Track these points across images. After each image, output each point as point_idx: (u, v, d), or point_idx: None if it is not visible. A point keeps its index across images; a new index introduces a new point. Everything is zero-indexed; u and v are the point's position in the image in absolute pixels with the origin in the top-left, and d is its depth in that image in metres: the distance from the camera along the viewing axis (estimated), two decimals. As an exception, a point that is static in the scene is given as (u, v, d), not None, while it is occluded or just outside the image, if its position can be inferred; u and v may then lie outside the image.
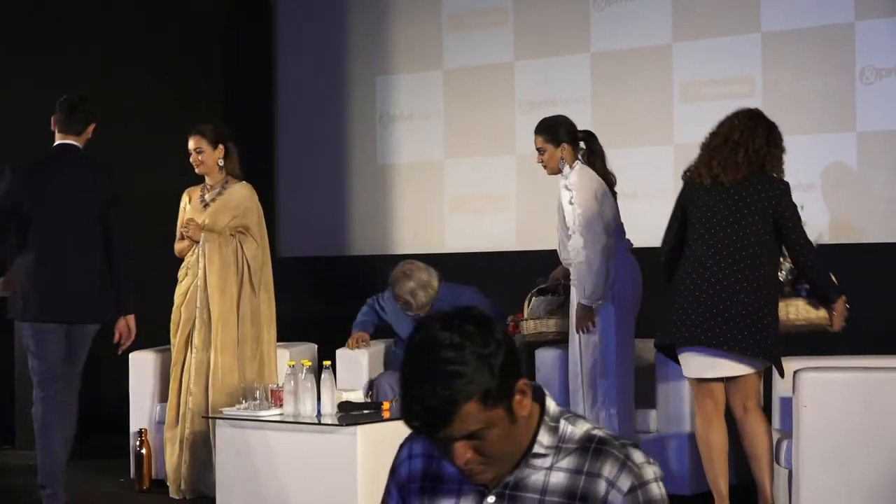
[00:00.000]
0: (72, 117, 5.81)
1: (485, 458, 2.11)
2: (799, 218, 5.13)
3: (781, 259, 5.22)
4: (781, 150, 5.20)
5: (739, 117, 5.20)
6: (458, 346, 2.05)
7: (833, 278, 5.24)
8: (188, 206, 6.39)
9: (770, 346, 5.03)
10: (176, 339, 6.26)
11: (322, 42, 8.61)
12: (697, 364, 5.14)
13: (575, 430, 2.18)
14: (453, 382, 2.04)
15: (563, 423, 2.18)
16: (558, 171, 5.97)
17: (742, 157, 5.09)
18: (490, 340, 2.07)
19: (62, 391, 5.72)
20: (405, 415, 2.09)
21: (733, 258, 5.07)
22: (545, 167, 6.01)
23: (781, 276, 5.24)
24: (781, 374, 5.17)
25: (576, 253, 5.83)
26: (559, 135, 5.93)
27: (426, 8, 8.16)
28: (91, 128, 5.89)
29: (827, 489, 4.81)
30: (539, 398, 2.20)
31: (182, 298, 6.27)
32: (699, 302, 5.07)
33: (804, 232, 5.14)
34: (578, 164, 5.94)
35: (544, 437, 2.16)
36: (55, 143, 5.83)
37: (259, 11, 8.93)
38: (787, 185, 5.14)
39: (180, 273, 6.34)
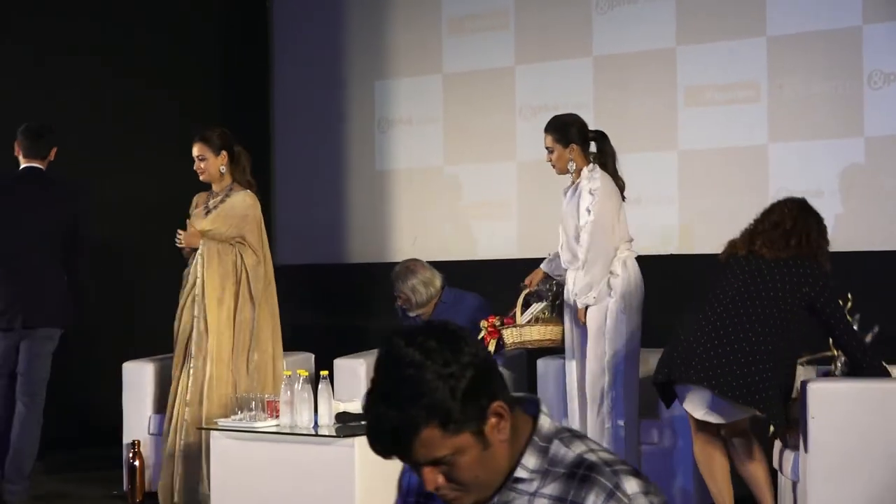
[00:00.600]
0: (37, 143, 6.40)
1: (457, 484, 2.01)
2: (843, 315, 5.09)
3: (836, 351, 5.23)
4: (828, 242, 5.26)
5: (790, 206, 5.26)
6: (417, 365, 1.94)
7: (885, 366, 5.18)
8: (193, 213, 6.41)
9: (765, 397, 4.97)
10: (176, 349, 6.27)
11: (319, 45, 8.61)
12: (691, 403, 5.18)
13: (568, 452, 2.05)
14: (408, 405, 1.94)
15: (555, 444, 2.06)
16: (567, 172, 5.97)
17: (794, 242, 5.13)
18: (454, 360, 1.96)
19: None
20: (367, 436, 2.01)
21: (747, 315, 5.08)
22: (553, 166, 6.01)
23: (836, 369, 5.25)
24: (774, 430, 5.12)
25: (576, 256, 5.86)
26: (569, 135, 5.92)
27: (426, 11, 8.16)
28: (54, 152, 6.47)
29: (835, 502, 4.80)
30: (532, 413, 2.09)
31: (182, 306, 6.28)
32: (699, 343, 5.09)
33: (851, 329, 5.10)
34: (597, 169, 5.92)
35: (530, 460, 2.05)
36: (21, 167, 6.40)
37: (255, 14, 8.93)
38: (829, 277, 5.14)
39: (185, 279, 6.35)
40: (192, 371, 6.17)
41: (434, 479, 2.01)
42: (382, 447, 1.99)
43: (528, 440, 2.06)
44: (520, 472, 2.04)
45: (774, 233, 5.17)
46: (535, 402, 2.12)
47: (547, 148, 5.98)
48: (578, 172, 5.94)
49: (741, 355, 5.00)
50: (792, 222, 5.18)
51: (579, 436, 2.10)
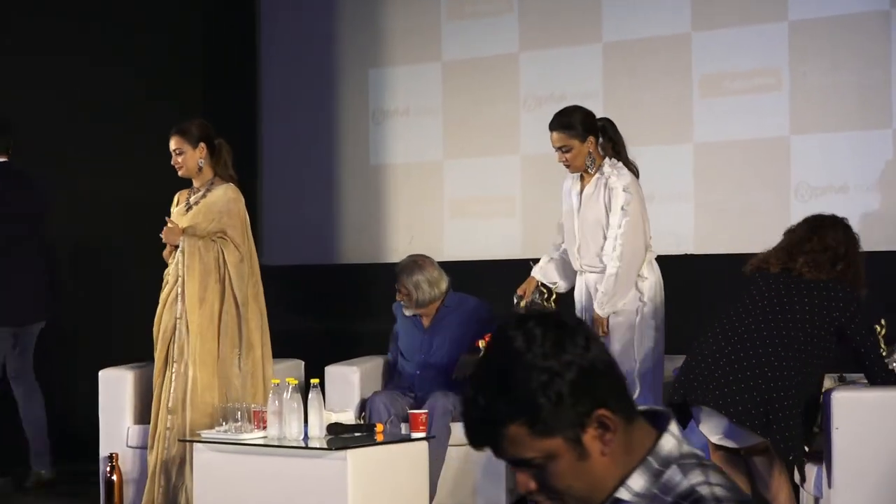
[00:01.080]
0: (2, 137, 6.97)
1: (551, 492, 1.94)
2: (875, 343, 5.15)
3: None
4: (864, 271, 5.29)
5: (843, 229, 5.28)
6: (515, 354, 1.89)
7: None
8: (174, 210, 6.39)
9: (784, 429, 4.91)
10: (156, 354, 6.26)
11: (310, 31, 8.61)
12: (707, 425, 5.11)
13: (683, 481, 1.93)
14: (496, 397, 1.90)
15: (672, 469, 1.94)
16: (584, 170, 5.93)
17: (840, 267, 5.14)
18: (555, 354, 1.89)
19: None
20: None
21: (771, 337, 5.03)
22: (569, 166, 5.92)
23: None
24: (789, 467, 5.04)
25: (609, 261, 5.82)
26: (585, 127, 5.85)
27: (423, -7, 8.16)
28: (10, 146, 7.14)
29: (861, 518, 4.80)
30: (660, 429, 1.99)
31: (162, 307, 6.27)
32: (717, 364, 5.02)
33: (881, 358, 5.14)
34: (618, 163, 5.87)
35: (637, 482, 1.94)
36: None
37: (240, -3, 8.93)
38: (862, 303, 5.14)
39: (165, 279, 6.34)
40: (174, 376, 6.16)
41: (525, 482, 1.95)
42: (470, 438, 1.95)
43: (642, 459, 1.96)
44: (622, 493, 1.95)
45: (823, 255, 5.15)
46: (665, 417, 2.02)
47: (560, 147, 5.86)
48: (597, 167, 5.90)
49: (762, 381, 4.92)
50: (845, 249, 5.18)
51: (704, 464, 1.97)
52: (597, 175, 5.89)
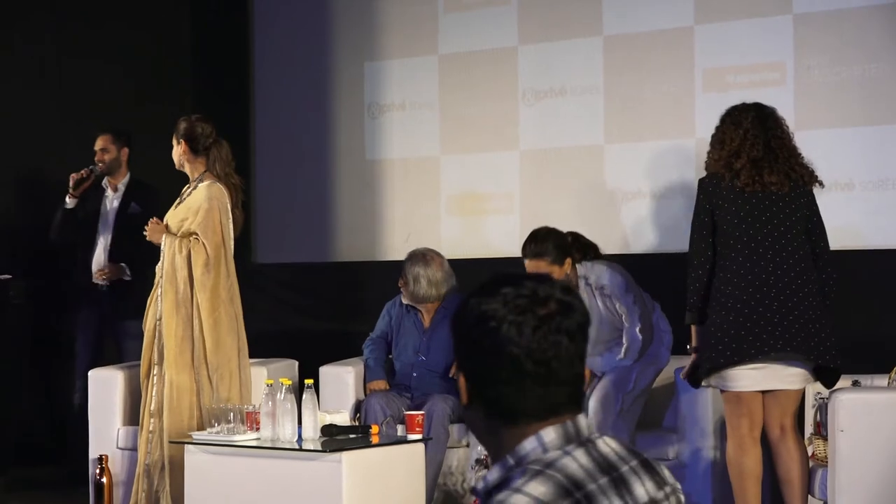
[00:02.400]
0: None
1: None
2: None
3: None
4: None
5: (781, 121, 5.42)
6: (488, 295, 2.13)
7: None
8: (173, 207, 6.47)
9: (832, 353, 5.13)
10: (143, 355, 6.27)
11: (304, 24, 8.60)
12: (752, 377, 5.14)
13: (510, 484, 2.04)
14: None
15: (517, 471, 2.07)
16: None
17: (796, 166, 5.33)
18: (510, 315, 2.08)
19: None
20: None
21: (783, 269, 5.16)
22: None
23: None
24: (830, 383, 5.23)
25: (634, 341, 6.18)
26: (559, 251, 6.22)
27: (420, -14, 8.15)
28: None
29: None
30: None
31: (148, 307, 6.29)
32: (758, 313, 5.11)
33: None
34: (587, 263, 6.28)
35: (492, 474, 2.11)
36: None
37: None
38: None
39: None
40: (155, 379, 6.18)
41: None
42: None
43: (503, 456, 2.11)
44: (480, 483, 2.12)
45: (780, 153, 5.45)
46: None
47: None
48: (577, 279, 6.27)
49: (799, 312, 5.13)
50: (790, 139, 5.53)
51: (540, 472, 2.05)
52: (579, 284, 6.21)
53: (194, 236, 6.21)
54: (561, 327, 2.08)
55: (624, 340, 6.16)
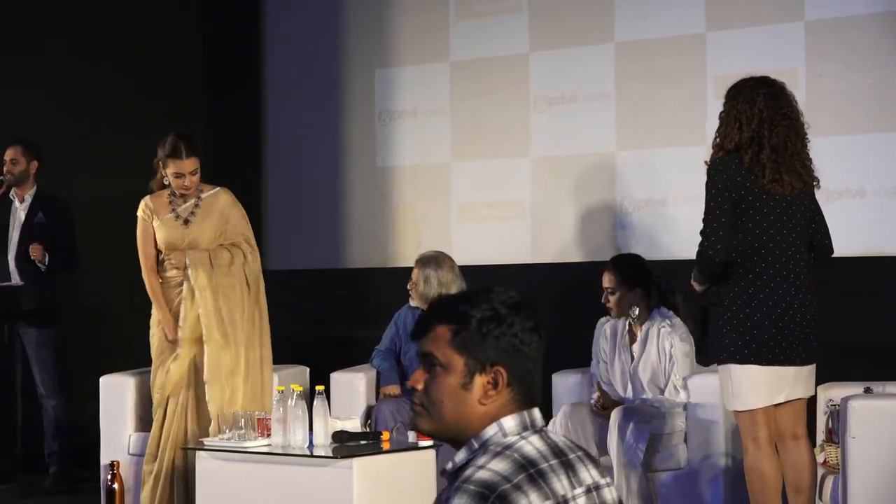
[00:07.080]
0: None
1: (426, 399, 2.45)
2: None
3: None
4: None
5: (791, 99, 5.37)
6: (484, 294, 2.45)
7: None
8: (159, 224, 6.34)
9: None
10: (154, 361, 6.29)
11: (315, 31, 8.63)
12: (782, 385, 5.12)
13: (476, 462, 2.38)
14: (448, 304, 2.47)
15: (479, 453, 2.40)
16: (625, 315, 6.19)
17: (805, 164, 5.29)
18: (511, 314, 2.42)
19: None
20: None
21: (804, 272, 5.17)
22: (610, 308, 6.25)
23: None
24: None
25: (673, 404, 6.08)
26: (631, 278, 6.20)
27: (431, -8, 8.18)
28: None
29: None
30: (519, 409, 2.44)
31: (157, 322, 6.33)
32: (794, 321, 5.08)
33: None
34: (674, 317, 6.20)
35: (459, 455, 2.43)
36: None
37: (245, -4, 8.95)
38: None
39: (152, 321, 6.36)
40: (183, 390, 6.20)
41: (417, 380, 2.47)
42: (415, 326, 2.51)
43: (468, 439, 2.45)
44: (449, 464, 2.45)
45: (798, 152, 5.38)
46: (530, 406, 2.47)
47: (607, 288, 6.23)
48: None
49: (813, 321, 5.14)
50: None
51: (500, 453, 2.39)
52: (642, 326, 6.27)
53: (234, 244, 6.27)
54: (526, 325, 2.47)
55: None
